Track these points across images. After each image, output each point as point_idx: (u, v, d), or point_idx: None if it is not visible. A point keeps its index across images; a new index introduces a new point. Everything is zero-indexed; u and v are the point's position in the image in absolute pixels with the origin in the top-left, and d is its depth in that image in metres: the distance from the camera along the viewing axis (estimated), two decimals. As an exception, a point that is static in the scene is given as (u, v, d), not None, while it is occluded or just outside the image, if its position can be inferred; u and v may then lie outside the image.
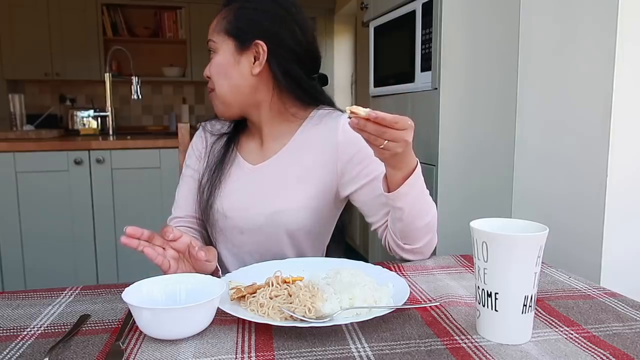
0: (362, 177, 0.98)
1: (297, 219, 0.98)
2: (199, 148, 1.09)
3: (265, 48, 0.94)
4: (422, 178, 0.88)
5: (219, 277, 0.91)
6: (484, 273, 0.62)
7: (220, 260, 1.05)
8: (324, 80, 1.07)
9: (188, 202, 1.07)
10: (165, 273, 0.80)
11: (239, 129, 1.08)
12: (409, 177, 0.85)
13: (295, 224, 0.98)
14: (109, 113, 3.02)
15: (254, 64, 0.96)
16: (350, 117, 0.75)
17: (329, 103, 1.06)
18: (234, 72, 0.96)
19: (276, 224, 0.98)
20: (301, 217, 0.98)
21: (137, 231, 0.76)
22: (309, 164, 0.99)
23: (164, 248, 0.79)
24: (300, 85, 0.99)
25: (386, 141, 0.76)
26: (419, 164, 0.87)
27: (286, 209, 0.97)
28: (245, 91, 0.97)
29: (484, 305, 0.63)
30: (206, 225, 1.07)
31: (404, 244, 0.94)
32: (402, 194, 0.86)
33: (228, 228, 1.02)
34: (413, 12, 1.71)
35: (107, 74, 2.96)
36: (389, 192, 0.87)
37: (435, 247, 0.97)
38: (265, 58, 0.95)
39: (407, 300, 0.71)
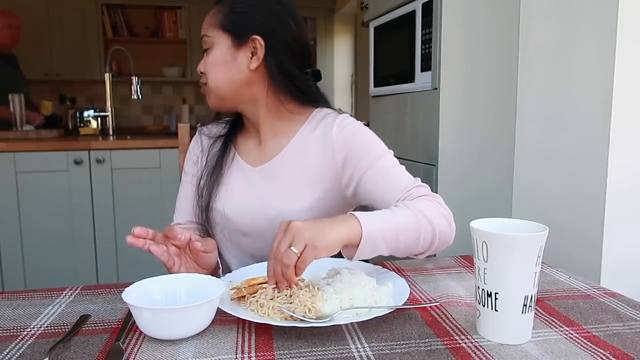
0: (357, 171, 0.94)
1: None
2: (195, 153, 1.08)
3: (262, 43, 0.93)
4: (377, 232, 0.78)
5: (219, 273, 0.91)
6: (484, 273, 0.62)
7: (223, 262, 1.04)
8: (317, 75, 1.04)
9: (188, 209, 1.05)
10: (169, 270, 0.81)
11: (236, 130, 1.07)
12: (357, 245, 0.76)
13: None
14: (109, 113, 3.02)
15: (251, 59, 0.94)
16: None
17: (325, 100, 1.04)
18: (231, 67, 0.95)
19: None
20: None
21: (144, 231, 0.79)
22: (310, 166, 0.97)
23: (166, 246, 0.81)
24: (295, 80, 0.98)
25: (290, 248, 0.70)
26: (359, 226, 0.76)
27: (289, 212, 0.95)
28: (241, 85, 0.96)
29: (484, 305, 0.63)
30: (207, 228, 1.06)
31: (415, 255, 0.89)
32: (363, 255, 0.79)
33: (230, 231, 1.01)
34: (413, 12, 1.71)
35: (107, 74, 2.96)
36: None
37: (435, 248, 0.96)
38: (262, 54, 0.94)
39: (407, 300, 0.72)
